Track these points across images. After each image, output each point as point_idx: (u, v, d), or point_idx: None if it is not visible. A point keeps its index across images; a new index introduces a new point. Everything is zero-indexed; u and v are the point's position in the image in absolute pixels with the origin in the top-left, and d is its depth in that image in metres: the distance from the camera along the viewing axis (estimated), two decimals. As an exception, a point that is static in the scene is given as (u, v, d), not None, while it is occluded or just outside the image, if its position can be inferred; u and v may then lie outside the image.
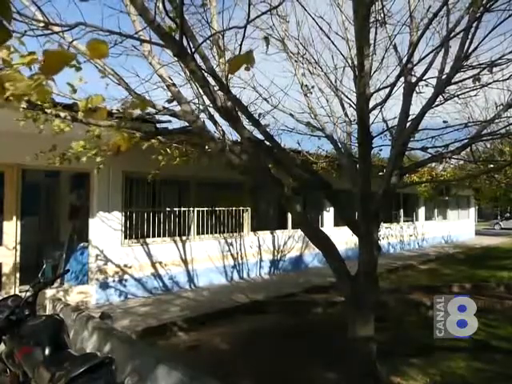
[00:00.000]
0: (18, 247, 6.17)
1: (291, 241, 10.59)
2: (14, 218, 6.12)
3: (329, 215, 11.80)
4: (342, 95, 4.92)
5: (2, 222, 6.07)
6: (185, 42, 2.55)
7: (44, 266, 3.61)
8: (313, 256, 10.96)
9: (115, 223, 7.14)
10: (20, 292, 5.58)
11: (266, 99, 5.24)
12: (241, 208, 9.43)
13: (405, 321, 6.09)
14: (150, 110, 4.05)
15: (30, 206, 6.94)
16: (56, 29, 2.78)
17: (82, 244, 7.22)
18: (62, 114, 3.84)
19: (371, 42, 3.67)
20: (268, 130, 4.11)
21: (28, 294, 3.18)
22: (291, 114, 5.40)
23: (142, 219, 7.64)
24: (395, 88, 3.56)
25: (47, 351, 2.65)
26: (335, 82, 5.05)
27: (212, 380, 2.79)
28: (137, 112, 4.05)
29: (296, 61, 5.11)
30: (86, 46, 1.44)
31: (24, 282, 5.97)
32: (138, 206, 7.59)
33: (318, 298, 7.44)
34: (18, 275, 6.15)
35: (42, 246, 8.19)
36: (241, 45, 2.61)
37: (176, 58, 3.40)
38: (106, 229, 7.01)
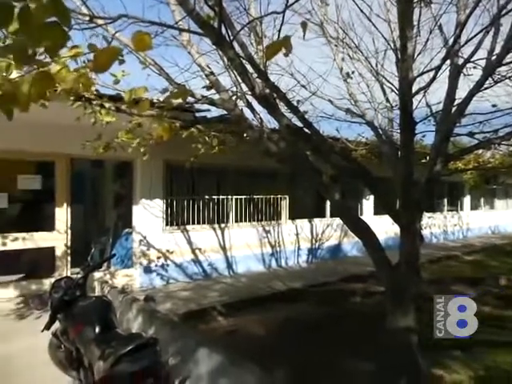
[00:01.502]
0: (69, 232, 6.55)
1: (329, 229, 10.49)
2: (65, 204, 6.48)
3: (368, 203, 11.56)
4: (384, 80, 4.76)
5: (54, 208, 6.44)
6: (223, 30, 2.57)
7: (92, 251, 3.80)
8: (352, 245, 10.81)
9: (157, 210, 7.38)
10: (71, 274, 5.92)
11: (304, 86, 5.18)
12: (279, 196, 9.43)
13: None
14: (189, 99, 4.12)
15: (77, 194, 7.30)
16: (100, 22, 2.87)
17: (126, 230, 7.53)
18: (107, 105, 3.99)
19: (415, 23, 3.52)
20: (306, 117, 4.07)
21: (79, 276, 3.37)
22: (330, 101, 5.30)
23: (182, 207, 7.83)
24: (440, 71, 3.41)
25: (97, 330, 2.81)
26: (376, 66, 4.89)
27: (251, 365, 2.85)
28: (177, 101, 4.13)
29: (336, 45, 5.00)
30: (130, 38, 1.48)
31: (74, 264, 6.33)
32: (178, 193, 7.79)
33: (356, 287, 7.35)
34: (69, 258, 6.53)
35: (89, 231, 8.61)
36: (279, 31, 2.59)
37: (214, 47, 3.43)
38: (148, 216, 7.26)
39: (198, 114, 5.32)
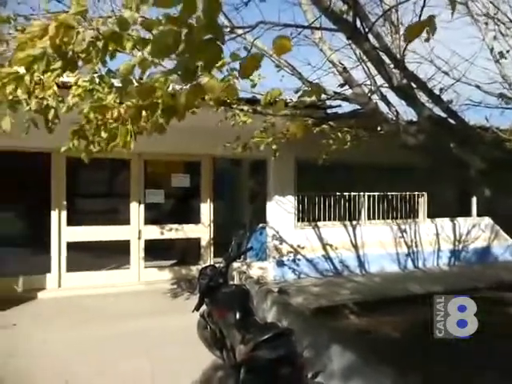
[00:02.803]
0: (212, 225, 7.25)
1: (476, 229, 9.35)
2: (208, 200, 7.21)
3: (527, 201, 9.94)
4: (549, 56, 4.05)
5: (200, 203, 7.21)
6: (358, 23, 2.52)
7: (233, 243, 4.15)
8: (504, 248, 9.45)
9: (289, 206, 7.61)
10: (214, 263, 6.52)
11: (446, 72, 4.72)
12: (415, 193, 8.79)
13: None
14: (321, 96, 4.14)
15: (218, 191, 7.98)
16: (239, 31, 3.10)
17: (260, 225, 7.96)
18: (245, 108, 4.29)
19: None
20: (450, 105, 3.72)
21: (222, 265, 3.72)
22: (478, 86, 4.73)
23: (313, 203, 7.91)
24: None
25: (238, 316, 3.07)
26: (539, 40, 4.19)
27: (385, 367, 2.75)
28: (309, 99, 4.20)
29: (485, 23, 4.43)
30: (272, 44, 1.55)
31: (216, 255, 6.97)
32: (310, 190, 7.88)
33: (508, 296, 6.40)
34: (212, 249, 7.24)
35: (228, 225, 9.34)
36: (420, 15, 2.42)
37: (347, 41, 3.38)
38: (280, 211, 7.55)
39: (329, 111, 5.31)
